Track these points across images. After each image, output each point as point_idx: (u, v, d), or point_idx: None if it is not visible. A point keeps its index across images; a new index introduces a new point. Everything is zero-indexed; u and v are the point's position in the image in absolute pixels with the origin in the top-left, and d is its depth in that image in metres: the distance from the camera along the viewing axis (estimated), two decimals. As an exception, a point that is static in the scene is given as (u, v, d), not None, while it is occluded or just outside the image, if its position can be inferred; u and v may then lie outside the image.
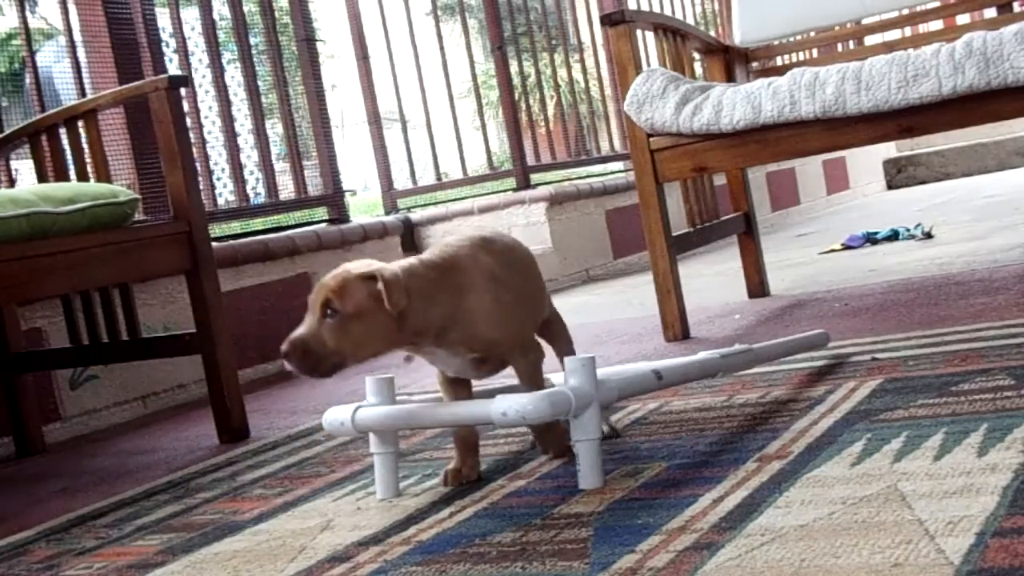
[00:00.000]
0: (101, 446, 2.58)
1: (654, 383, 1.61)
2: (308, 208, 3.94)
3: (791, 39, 3.18)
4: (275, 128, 4.00)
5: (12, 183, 3.02)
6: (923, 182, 7.37)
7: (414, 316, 1.46)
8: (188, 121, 2.68)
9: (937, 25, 3.15)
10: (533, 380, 1.58)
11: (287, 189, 3.93)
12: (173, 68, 3.51)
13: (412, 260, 1.53)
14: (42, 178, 2.57)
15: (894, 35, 3.29)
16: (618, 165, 5.57)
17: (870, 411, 1.59)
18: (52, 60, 3.58)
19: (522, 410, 1.40)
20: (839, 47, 3.39)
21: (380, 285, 1.42)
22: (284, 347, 1.45)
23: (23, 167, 3.31)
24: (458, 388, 1.63)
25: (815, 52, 3.30)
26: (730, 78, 3.10)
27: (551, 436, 1.65)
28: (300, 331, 1.45)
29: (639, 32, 2.76)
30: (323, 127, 4.12)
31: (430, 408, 1.61)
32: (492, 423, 1.45)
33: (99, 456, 2.47)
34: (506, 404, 1.41)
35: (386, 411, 1.57)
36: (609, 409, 1.71)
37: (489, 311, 1.52)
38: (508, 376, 1.98)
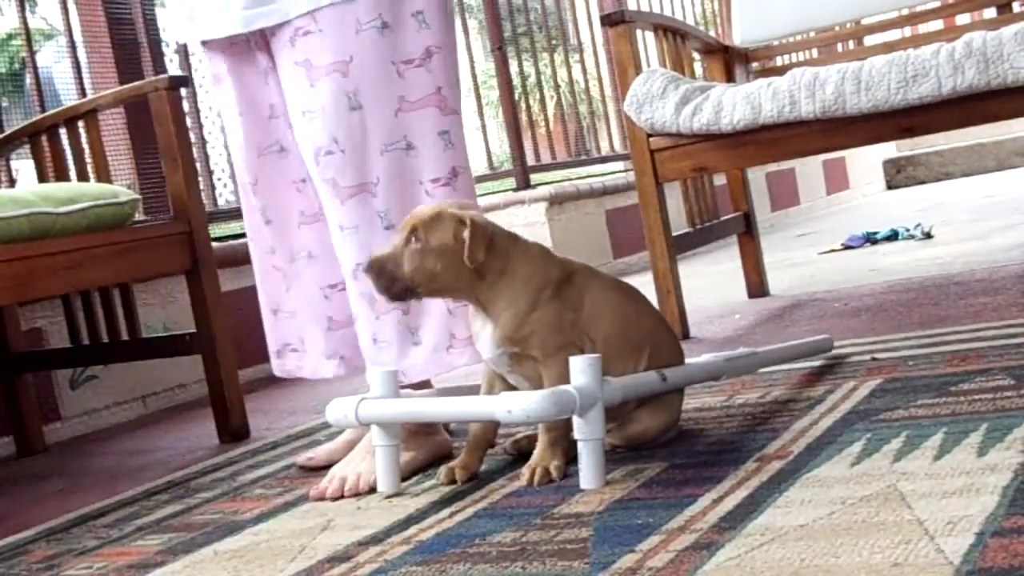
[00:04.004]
0: (101, 446, 2.58)
1: (658, 384, 1.61)
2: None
3: (791, 39, 3.18)
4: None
5: (12, 183, 3.02)
6: (923, 182, 7.36)
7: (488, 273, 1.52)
8: (188, 121, 2.68)
9: (937, 25, 3.15)
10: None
11: (287, 189, 3.91)
12: (173, 68, 3.51)
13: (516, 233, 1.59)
14: (42, 178, 2.58)
15: (894, 35, 3.29)
16: (618, 165, 5.57)
17: (870, 411, 1.59)
18: (52, 60, 3.59)
19: (527, 408, 1.40)
20: (839, 47, 3.39)
21: (467, 233, 1.48)
22: (364, 263, 1.53)
23: (23, 167, 3.31)
24: (494, 384, 1.62)
25: (815, 52, 3.30)
26: (730, 78, 3.10)
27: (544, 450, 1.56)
28: (384, 250, 1.52)
29: (639, 32, 2.76)
30: (323, 127, 4.10)
31: (434, 402, 1.61)
32: (496, 420, 1.45)
33: (99, 456, 2.47)
34: (511, 401, 1.41)
35: (390, 404, 1.57)
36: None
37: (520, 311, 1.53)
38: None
